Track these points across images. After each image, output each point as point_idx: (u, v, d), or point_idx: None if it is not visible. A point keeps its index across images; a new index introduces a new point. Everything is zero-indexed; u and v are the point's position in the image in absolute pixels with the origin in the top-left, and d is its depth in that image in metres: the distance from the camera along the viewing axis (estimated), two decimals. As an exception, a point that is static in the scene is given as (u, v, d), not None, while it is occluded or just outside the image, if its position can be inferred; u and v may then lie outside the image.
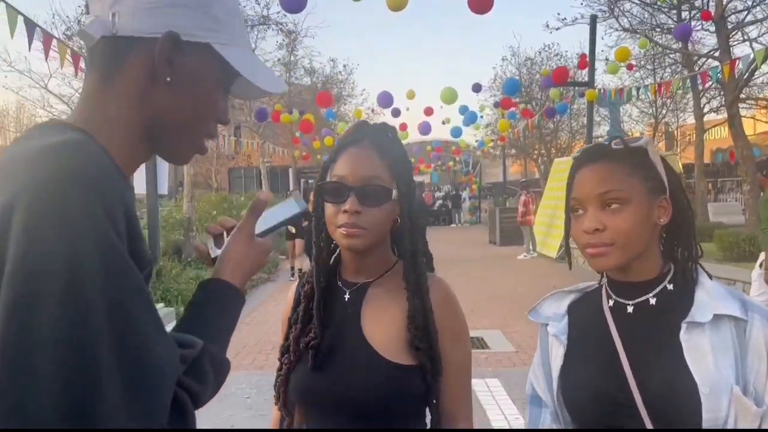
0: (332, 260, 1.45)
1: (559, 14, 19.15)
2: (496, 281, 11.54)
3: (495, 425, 4.60)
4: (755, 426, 1.14)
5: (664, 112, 23.09)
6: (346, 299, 1.38)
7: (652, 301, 1.27)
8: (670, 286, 1.28)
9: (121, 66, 0.87)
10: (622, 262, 1.25)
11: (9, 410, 0.66)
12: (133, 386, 0.70)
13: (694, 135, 18.92)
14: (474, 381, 5.38)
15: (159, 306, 7.08)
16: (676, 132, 26.91)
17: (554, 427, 1.37)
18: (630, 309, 1.29)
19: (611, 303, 1.32)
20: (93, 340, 0.68)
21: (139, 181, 8.54)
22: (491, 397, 5.16)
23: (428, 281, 1.36)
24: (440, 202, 29.17)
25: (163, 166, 8.45)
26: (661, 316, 1.25)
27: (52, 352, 0.66)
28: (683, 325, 1.20)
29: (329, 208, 1.33)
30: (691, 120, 22.46)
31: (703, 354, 1.17)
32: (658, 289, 1.28)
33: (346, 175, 1.30)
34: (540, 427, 1.41)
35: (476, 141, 26.60)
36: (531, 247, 14.81)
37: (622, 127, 21.42)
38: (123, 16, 0.85)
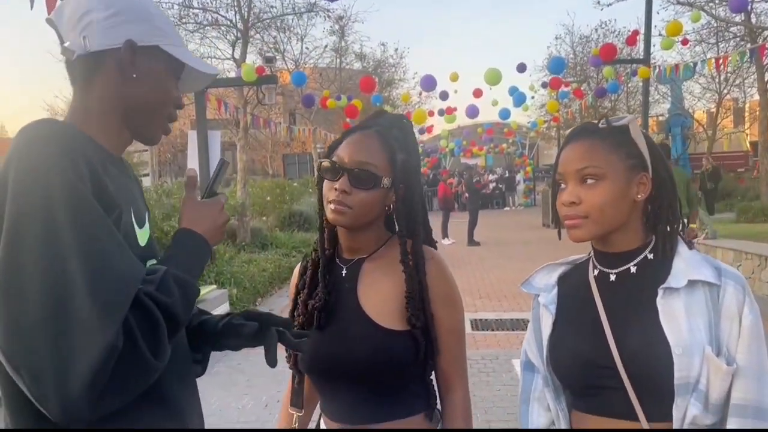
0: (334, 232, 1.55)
1: (611, -11, 18.48)
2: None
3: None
4: (726, 384, 1.22)
5: (728, 88, 22.01)
6: (344, 275, 1.50)
7: (633, 270, 1.36)
8: (650, 256, 1.36)
9: (98, 73, 1.16)
10: (597, 233, 1.34)
11: (8, 314, 0.92)
12: (96, 287, 0.93)
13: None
14: (516, 361, 5.43)
15: (212, 288, 7.40)
16: (744, 108, 25.67)
17: (546, 390, 1.46)
18: (612, 277, 1.38)
19: (596, 272, 1.42)
20: (64, 257, 0.92)
21: (192, 168, 8.89)
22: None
23: (425, 255, 1.46)
24: (493, 185, 28.86)
25: (215, 155, 8.77)
26: (641, 283, 1.34)
27: (33, 269, 0.92)
28: (660, 291, 1.29)
29: (325, 185, 1.45)
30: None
31: (677, 317, 1.25)
32: (638, 259, 1.36)
33: (343, 157, 1.42)
34: (533, 391, 1.51)
35: (528, 122, 26.14)
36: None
37: (683, 104, 20.63)
38: (91, 38, 1.14)
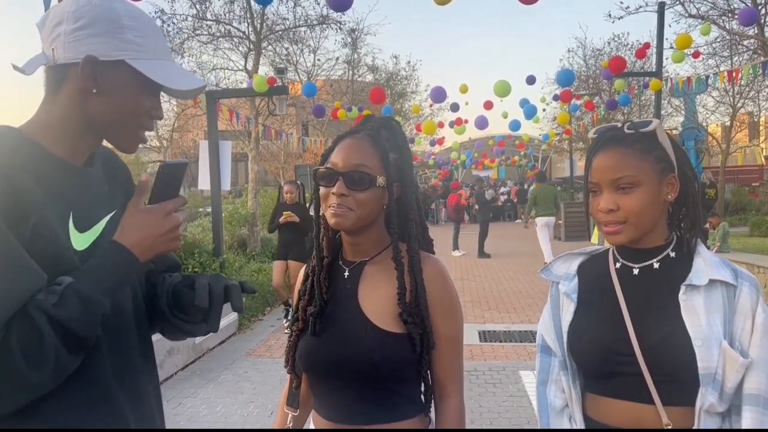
0: (336, 238, 1.59)
1: (622, 2, 18.47)
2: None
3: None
4: (740, 375, 1.30)
5: (741, 101, 21.85)
6: (346, 276, 1.53)
7: (656, 266, 1.44)
8: (673, 254, 1.45)
9: (62, 85, 1.18)
10: (636, 237, 1.42)
11: None
12: None
13: (774, 124, 17.86)
14: (524, 373, 5.40)
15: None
16: (758, 122, 25.46)
17: (561, 373, 1.54)
18: (636, 271, 1.46)
19: (618, 265, 1.50)
20: None
21: (204, 179, 8.97)
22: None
23: (422, 260, 1.48)
24: (504, 197, 28.79)
25: (225, 165, 8.83)
26: (663, 278, 1.42)
27: None
28: (682, 287, 1.38)
29: (322, 192, 1.48)
30: (773, 109, 21.23)
31: (697, 313, 1.34)
32: (662, 256, 1.45)
33: (337, 163, 1.45)
34: (550, 373, 1.57)
35: (540, 135, 26.10)
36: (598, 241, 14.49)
37: (696, 118, 20.50)
38: (58, 50, 1.15)
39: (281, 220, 7.46)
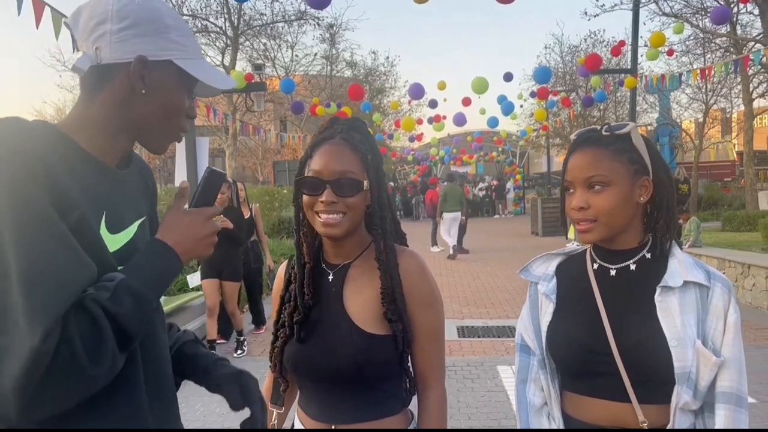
0: (316, 244, 1.59)
1: (597, 0, 18.66)
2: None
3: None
4: (713, 374, 1.34)
5: (714, 98, 22.26)
6: (330, 279, 1.54)
7: (632, 267, 1.48)
8: (648, 255, 1.48)
9: (107, 85, 1.15)
10: (606, 236, 1.45)
11: None
12: (30, 288, 0.92)
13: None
14: (501, 368, 5.40)
15: (196, 295, 7.33)
16: (731, 118, 25.94)
17: (540, 372, 1.57)
18: (613, 272, 1.49)
19: (595, 266, 1.53)
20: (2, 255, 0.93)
21: (180, 175, 8.88)
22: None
23: (399, 254, 1.50)
24: (483, 193, 28.97)
25: (203, 162, 8.76)
26: (639, 280, 1.46)
27: None
28: (658, 289, 1.41)
29: (307, 200, 1.47)
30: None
31: (673, 313, 1.38)
32: (638, 257, 1.48)
33: (321, 170, 1.44)
34: (529, 372, 1.60)
35: (518, 131, 26.29)
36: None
37: (671, 114, 20.82)
38: (103, 50, 1.13)
39: None
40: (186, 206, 1.23)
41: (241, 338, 6.42)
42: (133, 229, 1.22)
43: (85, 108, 1.16)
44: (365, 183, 1.47)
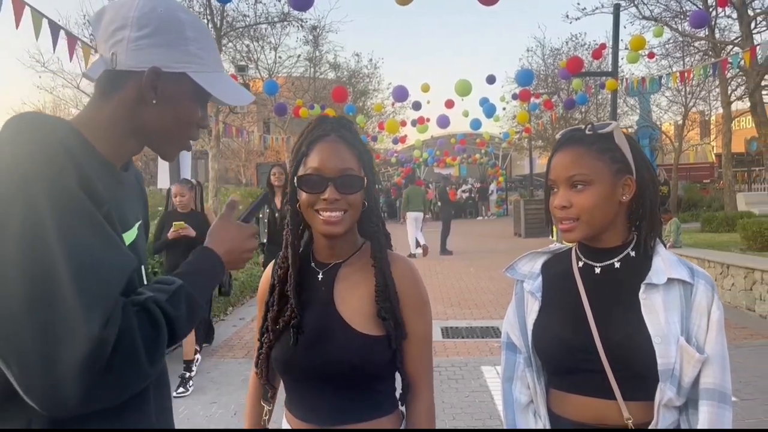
0: (302, 244, 1.57)
1: (578, 3, 18.91)
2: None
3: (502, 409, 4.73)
4: (696, 370, 1.35)
5: (693, 101, 22.58)
6: (320, 279, 1.51)
7: (617, 265, 1.49)
8: (633, 253, 1.49)
9: (119, 90, 1.16)
10: (588, 234, 1.46)
11: None
12: (80, 277, 0.92)
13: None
14: (485, 368, 5.39)
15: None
16: (710, 121, 26.31)
17: (527, 369, 1.57)
18: (598, 270, 1.50)
19: (581, 264, 1.53)
20: (47, 245, 0.91)
21: (163, 177, 8.84)
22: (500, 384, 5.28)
23: (390, 258, 1.49)
24: (466, 195, 29.09)
25: (186, 163, 8.72)
26: (624, 277, 1.47)
27: (16, 257, 0.91)
28: (642, 286, 1.42)
29: (307, 197, 1.44)
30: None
31: (657, 311, 1.38)
32: (622, 255, 1.49)
33: (321, 167, 1.42)
34: (515, 370, 1.60)
35: (500, 133, 26.44)
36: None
37: (651, 117, 21.07)
38: (119, 55, 1.13)
39: (170, 234, 5.30)
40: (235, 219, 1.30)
41: (187, 374, 5.16)
42: (134, 230, 1.23)
43: (97, 108, 1.17)
44: (365, 180, 1.46)
